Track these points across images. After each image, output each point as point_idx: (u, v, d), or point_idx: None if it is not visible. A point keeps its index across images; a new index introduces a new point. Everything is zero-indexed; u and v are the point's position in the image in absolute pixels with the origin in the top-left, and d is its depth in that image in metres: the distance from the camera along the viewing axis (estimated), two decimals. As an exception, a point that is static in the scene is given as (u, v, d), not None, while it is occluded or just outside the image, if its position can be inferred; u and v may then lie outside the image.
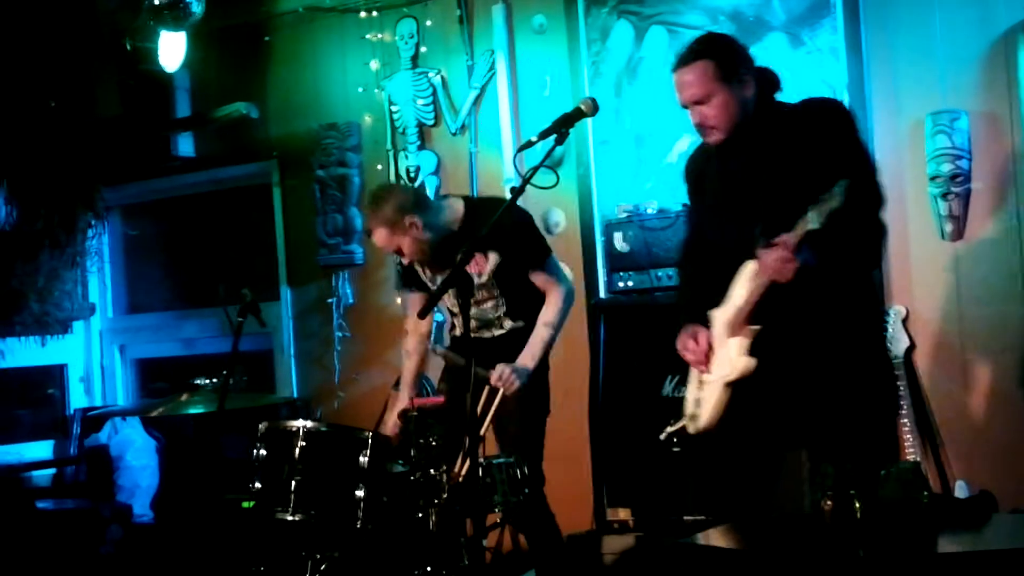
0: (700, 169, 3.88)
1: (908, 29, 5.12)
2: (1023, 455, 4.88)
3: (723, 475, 3.77)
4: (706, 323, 3.75)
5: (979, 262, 5.00)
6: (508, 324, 4.62)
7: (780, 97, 3.75)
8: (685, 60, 3.65)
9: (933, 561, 2.83)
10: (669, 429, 3.97)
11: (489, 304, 4.61)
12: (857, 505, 2.95)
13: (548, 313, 4.55)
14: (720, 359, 3.67)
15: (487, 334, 4.65)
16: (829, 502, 2.98)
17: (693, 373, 3.82)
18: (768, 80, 3.72)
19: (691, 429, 3.78)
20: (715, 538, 3.31)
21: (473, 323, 4.62)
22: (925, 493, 2.97)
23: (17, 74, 6.39)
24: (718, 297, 3.71)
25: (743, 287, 3.59)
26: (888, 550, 2.85)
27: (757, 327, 3.56)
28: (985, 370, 4.99)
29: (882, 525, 2.94)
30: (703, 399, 3.72)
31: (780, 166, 3.54)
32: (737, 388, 3.61)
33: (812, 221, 3.29)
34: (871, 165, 3.65)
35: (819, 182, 3.31)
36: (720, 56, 3.64)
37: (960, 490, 4.87)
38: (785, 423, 3.61)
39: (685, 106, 3.67)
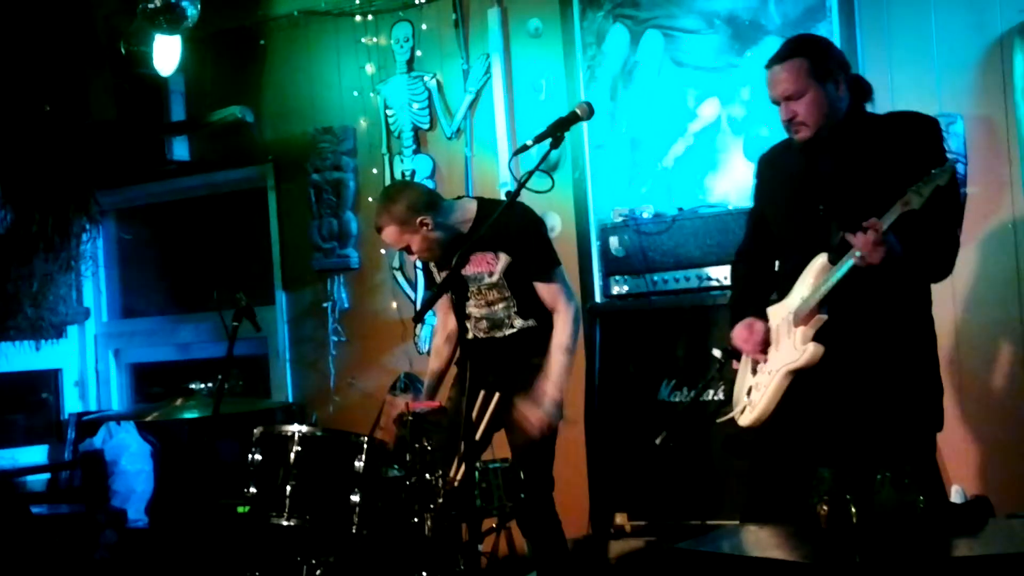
0: (777, 166, 3.94)
1: (904, 33, 5.12)
2: (1019, 460, 4.88)
3: (765, 477, 3.84)
4: (762, 317, 3.84)
5: (975, 266, 5.00)
6: (518, 323, 4.58)
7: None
8: (780, 56, 3.74)
9: (929, 566, 2.82)
10: (720, 420, 4.03)
11: (500, 305, 4.58)
12: (853, 510, 2.94)
13: (561, 336, 4.49)
14: (784, 348, 3.73)
15: (498, 334, 4.62)
16: (825, 507, 2.98)
17: (746, 364, 3.90)
18: (861, 88, 3.80)
19: (745, 421, 3.83)
20: (717, 543, 3.30)
21: (484, 324, 4.61)
22: (921, 498, 2.97)
23: (12, 78, 6.38)
24: (777, 293, 3.82)
25: (808, 280, 3.67)
26: (884, 555, 2.84)
27: (824, 317, 3.62)
28: (981, 374, 4.99)
29: (878, 530, 2.93)
30: (760, 387, 3.77)
31: (868, 169, 3.62)
32: (797, 379, 3.68)
33: (914, 202, 3.36)
34: (956, 179, 3.67)
35: (904, 187, 3.41)
36: (814, 55, 3.72)
37: (956, 495, 4.87)
38: (834, 424, 3.66)
39: (776, 102, 3.75)
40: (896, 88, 5.13)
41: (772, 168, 3.99)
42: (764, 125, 5.33)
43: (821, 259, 3.66)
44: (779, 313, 3.80)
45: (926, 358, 3.79)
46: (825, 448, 3.64)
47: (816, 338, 3.63)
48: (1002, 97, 4.92)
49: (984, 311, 4.99)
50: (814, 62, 3.70)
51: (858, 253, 3.44)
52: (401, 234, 4.52)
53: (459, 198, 4.81)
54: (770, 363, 3.77)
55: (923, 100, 5.03)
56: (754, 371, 3.86)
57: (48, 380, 7.31)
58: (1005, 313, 4.95)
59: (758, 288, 3.98)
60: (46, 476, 6.90)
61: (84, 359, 7.44)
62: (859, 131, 3.71)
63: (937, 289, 5.00)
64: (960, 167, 4.94)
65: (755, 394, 3.80)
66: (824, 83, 3.69)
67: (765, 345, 3.81)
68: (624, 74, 5.72)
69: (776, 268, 3.99)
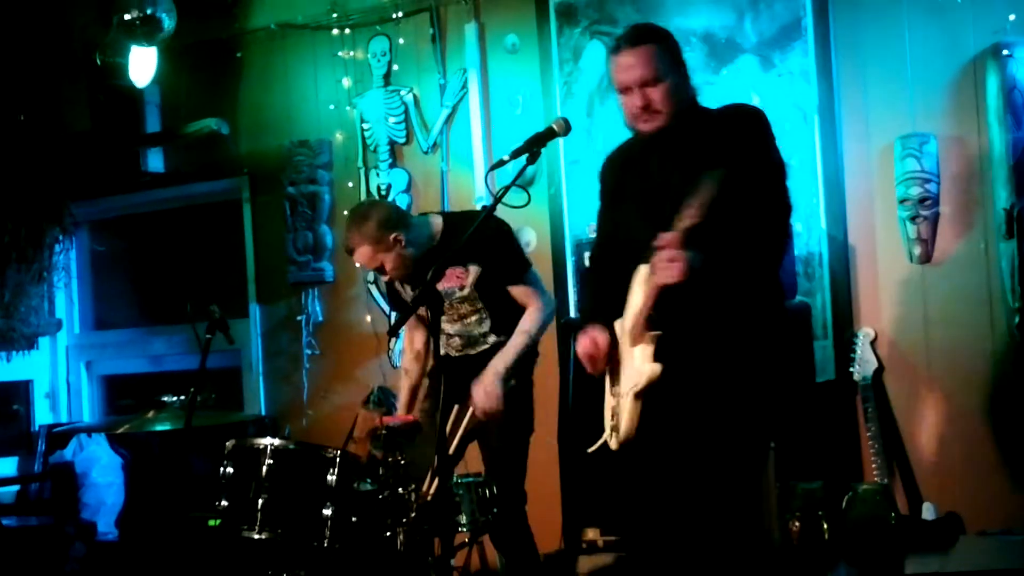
0: (621, 169, 3.79)
1: (878, 53, 5.16)
2: (990, 477, 4.91)
3: (641, 489, 3.66)
4: (608, 329, 3.64)
5: (947, 285, 5.03)
6: (492, 339, 4.58)
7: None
8: (632, 41, 3.56)
9: (901, 583, 2.84)
10: (591, 448, 3.80)
11: (473, 318, 4.58)
12: (825, 526, 2.95)
13: (526, 322, 4.49)
14: (627, 370, 3.56)
15: (472, 351, 4.62)
16: (797, 523, 2.98)
17: (607, 385, 3.71)
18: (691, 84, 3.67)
19: (613, 444, 3.65)
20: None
21: (457, 341, 4.60)
22: (893, 514, 2.98)
23: (-14, 87, 6.37)
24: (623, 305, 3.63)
25: (638, 293, 3.50)
26: (856, 571, 2.85)
27: (658, 332, 3.43)
28: (953, 392, 5.02)
29: (850, 546, 2.94)
30: (619, 410, 3.59)
31: (693, 168, 3.39)
32: (648, 397, 3.46)
33: (686, 220, 3.21)
34: (780, 171, 3.56)
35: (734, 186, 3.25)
36: (668, 42, 3.59)
37: (928, 512, 4.89)
38: (695, 430, 3.48)
39: (625, 89, 3.55)
40: (870, 107, 5.17)
41: (614, 172, 3.83)
42: (739, 143, 5.35)
43: (644, 269, 3.46)
44: (620, 329, 3.62)
45: (761, 363, 3.54)
46: (698, 446, 3.49)
47: (657, 354, 3.43)
48: (975, 117, 4.96)
49: (956, 330, 5.01)
50: (667, 49, 3.57)
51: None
52: (375, 253, 4.50)
53: (423, 215, 4.82)
54: (621, 384, 3.58)
55: (897, 119, 5.07)
56: (612, 392, 3.66)
57: (19, 391, 7.25)
58: (977, 332, 4.97)
59: (606, 298, 3.71)
60: (15, 488, 6.83)
61: (55, 370, 7.39)
62: (691, 128, 3.55)
63: (910, 307, 5.07)
64: (932, 186, 4.98)
65: (616, 418, 3.62)
66: (678, 71, 3.57)
67: (612, 362, 3.62)
68: (601, 90, 5.73)
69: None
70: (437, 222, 4.63)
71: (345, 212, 6.24)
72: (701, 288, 3.32)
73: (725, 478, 3.43)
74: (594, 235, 5.36)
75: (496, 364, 4.39)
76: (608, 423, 3.67)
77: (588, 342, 3.63)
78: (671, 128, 3.55)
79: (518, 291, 4.53)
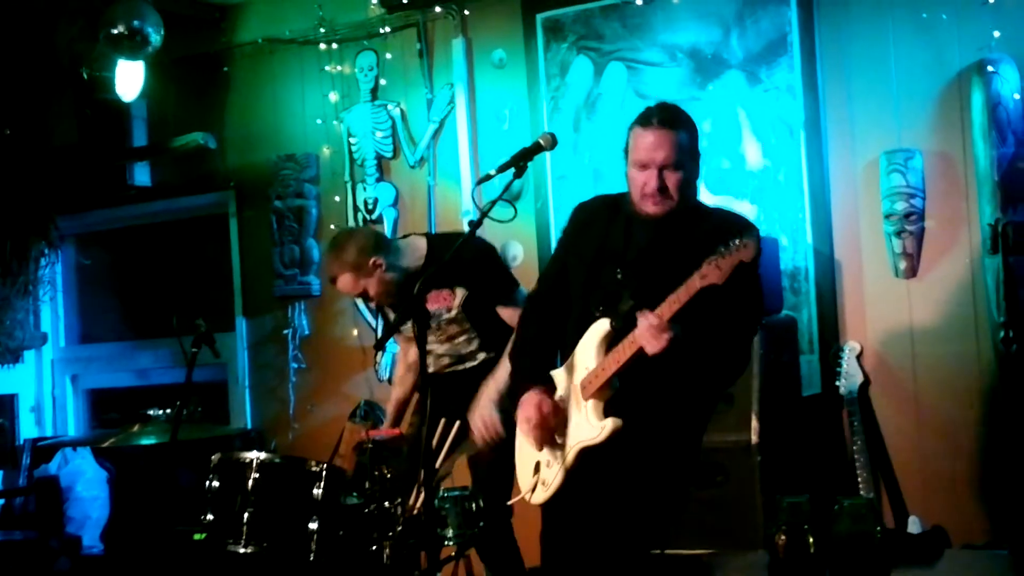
0: (593, 220, 3.72)
1: (864, 69, 5.18)
2: (976, 491, 4.92)
3: (563, 531, 3.67)
4: (550, 386, 3.64)
5: (933, 299, 5.04)
6: (481, 356, 4.59)
7: None
8: (666, 122, 3.51)
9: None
10: (511, 502, 3.86)
11: (461, 339, 4.59)
12: (811, 540, 2.95)
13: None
14: (576, 422, 3.53)
15: (460, 368, 4.62)
16: (783, 537, 2.98)
17: (525, 442, 3.68)
18: None
19: (538, 499, 3.63)
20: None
21: (446, 359, 4.61)
22: (878, 528, 2.98)
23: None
24: (560, 351, 3.65)
25: (598, 349, 3.48)
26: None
27: (615, 388, 3.46)
28: (938, 406, 5.03)
29: (835, 560, 2.94)
30: (551, 463, 3.58)
31: (680, 255, 3.38)
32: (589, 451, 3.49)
33: (711, 275, 3.18)
34: (759, 294, 3.57)
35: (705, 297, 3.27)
36: (694, 131, 3.57)
37: (913, 525, 4.90)
38: (622, 479, 3.51)
39: (644, 166, 3.49)
40: (856, 122, 5.19)
41: (587, 220, 3.75)
42: (725, 157, 5.37)
43: (603, 325, 3.48)
44: (563, 381, 3.62)
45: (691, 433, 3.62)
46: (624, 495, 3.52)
47: (608, 409, 3.46)
48: (960, 133, 4.98)
49: (941, 344, 5.03)
50: (693, 137, 3.55)
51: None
52: (357, 280, 4.51)
53: (405, 237, 4.82)
54: (569, 437, 3.54)
55: (883, 135, 5.09)
56: (540, 446, 3.63)
57: (4, 405, 7.22)
58: (962, 347, 4.99)
59: (545, 347, 3.73)
60: (0, 502, 6.81)
61: (41, 384, 7.36)
62: (686, 217, 3.53)
63: (896, 321, 5.08)
64: (918, 201, 5.00)
65: (546, 471, 3.60)
66: (695, 161, 3.57)
67: (557, 426, 3.57)
68: (587, 105, 5.74)
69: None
70: (420, 244, 4.63)
71: (332, 226, 6.26)
72: (667, 355, 3.31)
73: (644, 520, 3.49)
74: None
75: (490, 392, 4.34)
76: (530, 478, 3.66)
77: (534, 411, 3.59)
78: (672, 216, 3.52)
79: (507, 312, 4.52)
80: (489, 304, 4.52)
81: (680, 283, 3.26)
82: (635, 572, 3.46)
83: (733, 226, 3.39)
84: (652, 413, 3.49)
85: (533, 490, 3.65)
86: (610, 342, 3.47)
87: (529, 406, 3.60)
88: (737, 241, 3.18)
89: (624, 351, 3.39)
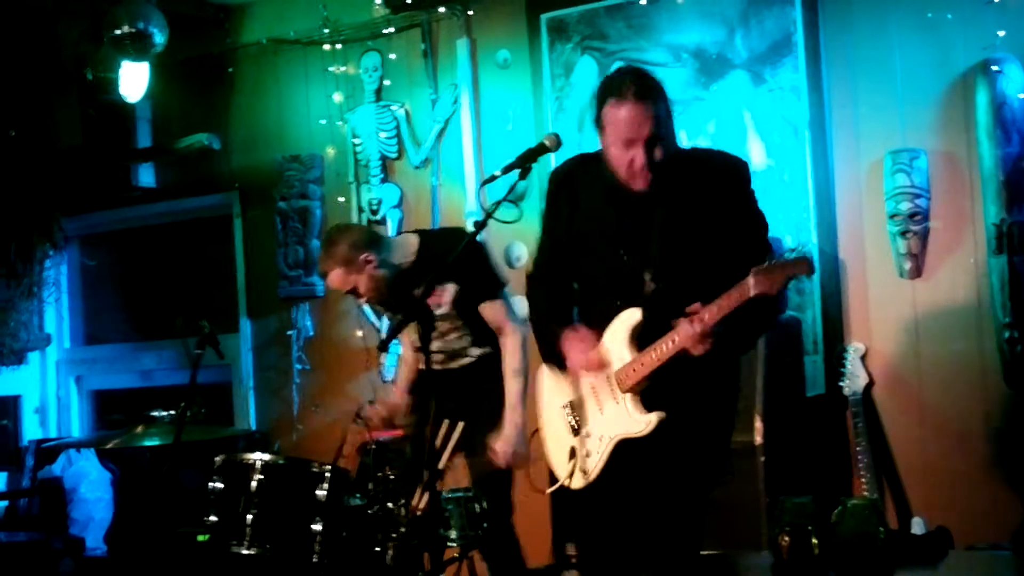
0: (577, 187, 3.65)
1: (868, 69, 5.17)
2: (979, 492, 4.91)
3: (599, 524, 3.67)
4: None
5: (937, 300, 5.03)
6: (475, 352, 4.58)
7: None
8: (641, 94, 3.37)
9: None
10: (550, 490, 3.81)
11: (453, 335, 4.58)
12: (814, 541, 2.95)
13: (512, 360, 4.46)
14: (612, 413, 3.52)
15: (454, 364, 4.62)
16: (787, 537, 2.98)
17: (556, 421, 3.70)
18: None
19: (576, 484, 3.61)
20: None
21: (440, 356, 4.60)
22: (882, 529, 2.98)
23: (-23, 103, 6.37)
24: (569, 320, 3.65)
25: (630, 341, 3.48)
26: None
27: (649, 381, 3.46)
28: (943, 407, 5.02)
29: (839, 561, 2.94)
30: (591, 452, 3.57)
31: (682, 219, 3.39)
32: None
33: (763, 285, 3.18)
34: (763, 221, 3.54)
35: (716, 241, 3.34)
36: (665, 95, 3.45)
37: (917, 526, 4.89)
38: (659, 469, 3.51)
39: (628, 143, 3.39)
40: (860, 122, 5.18)
41: (569, 185, 3.65)
42: (730, 158, 5.36)
43: (634, 316, 3.46)
44: (602, 371, 3.56)
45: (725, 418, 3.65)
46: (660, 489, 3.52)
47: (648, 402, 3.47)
48: (964, 133, 4.97)
49: (946, 344, 5.02)
50: (667, 100, 3.42)
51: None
52: (347, 275, 4.50)
53: (399, 234, 4.81)
54: (599, 428, 3.55)
55: (887, 135, 5.08)
56: (575, 431, 3.61)
57: (8, 406, 7.23)
58: (966, 345, 4.98)
59: (562, 311, 3.69)
60: (4, 503, 6.82)
61: (45, 385, 7.37)
62: (682, 177, 3.44)
63: (900, 322, 5.07)
64: (923, 201, 4.99)
65: (586, 460, 3.57)
66: (671, 123, 3.45)
67: (602, 365, 3.52)
68: (592, 106, 5.72)
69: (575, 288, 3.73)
70: (413, 241, 4.63)
71: (336, 227, 6.26)
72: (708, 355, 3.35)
73: (680, 509, 3.50)
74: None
75: (514, 418, 4.36)
76: (567, 464, 3.64)
77: (579, 343, 3.54)
78: (660, 180, 3.45)
79: (488, 308, 4.49)
80: (475, 300, 4.51)
81: (690, 254, 3.30)
82: (674, 568, 3.46)
83: (727, 168, 3.48)
84: (689, 404, 3.48)
85: (571, 476, 3.62)
86: (641, 331, 3.46)
87: (573, 338, 3.55)
88: (791, 257, 3.19)
89: (666, 350, 3.38)
